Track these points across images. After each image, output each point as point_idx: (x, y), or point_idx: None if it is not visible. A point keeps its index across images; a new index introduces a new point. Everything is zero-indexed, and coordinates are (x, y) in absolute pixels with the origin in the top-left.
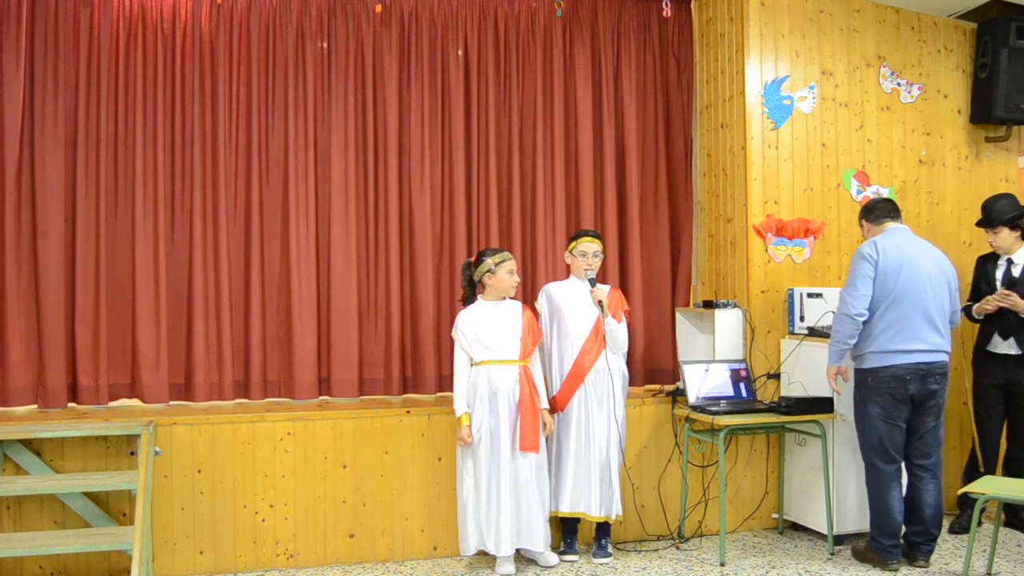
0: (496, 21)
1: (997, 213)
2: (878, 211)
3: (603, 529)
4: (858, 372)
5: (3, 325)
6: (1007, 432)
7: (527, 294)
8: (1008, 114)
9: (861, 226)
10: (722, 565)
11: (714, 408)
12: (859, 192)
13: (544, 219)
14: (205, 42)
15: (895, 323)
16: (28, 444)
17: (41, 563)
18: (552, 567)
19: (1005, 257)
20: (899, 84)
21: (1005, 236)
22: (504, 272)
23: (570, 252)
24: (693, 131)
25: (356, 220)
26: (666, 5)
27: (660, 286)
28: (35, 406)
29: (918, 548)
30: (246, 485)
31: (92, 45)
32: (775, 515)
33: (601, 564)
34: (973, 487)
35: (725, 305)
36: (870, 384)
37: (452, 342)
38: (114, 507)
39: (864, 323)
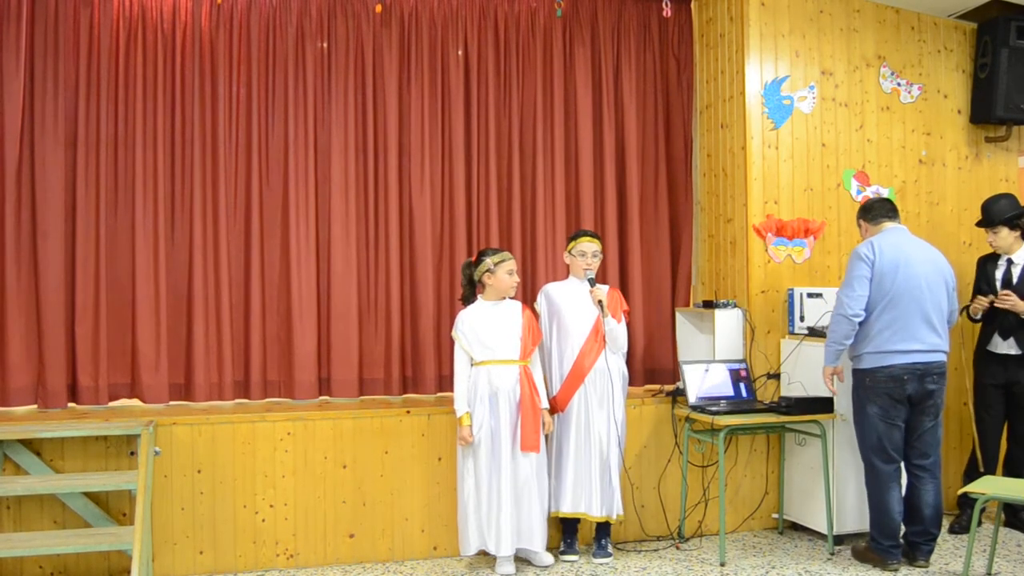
0: (496, 21)
1: (997, 213)
2: (876, 211)
3: (603, 529)
4: (856, 372)
5: (3, 325)
6: (1007, 432)
7: (527, 294)
8: (1008, 114)
9: (859, 226)
10: (722, 565)
11: (714, 408)
12: (859, 192)
13: (544, 219)
14: (205, 42)
15: (892, 323)
16: (28, 444)
17: (41, 563)
18: (548, 567)
19: (1005, 257)
20: (899, 84)
21: (1005, 236)
22: (504, 272)
23: (569, 252)
24: (693, 131)
25: (356, 220)
26: (666, 5)
27: (660, 286)
28: (35, 406)
29: (918, 548)
30: (246, 485)
31: (92, 45)
32: (775, 515)
33: (601, 564)
34: (973, 487)
35: (725, 305)
36: (868, 384)
37: (452, 342)
38: (114, 507)
39: (861, 323)
